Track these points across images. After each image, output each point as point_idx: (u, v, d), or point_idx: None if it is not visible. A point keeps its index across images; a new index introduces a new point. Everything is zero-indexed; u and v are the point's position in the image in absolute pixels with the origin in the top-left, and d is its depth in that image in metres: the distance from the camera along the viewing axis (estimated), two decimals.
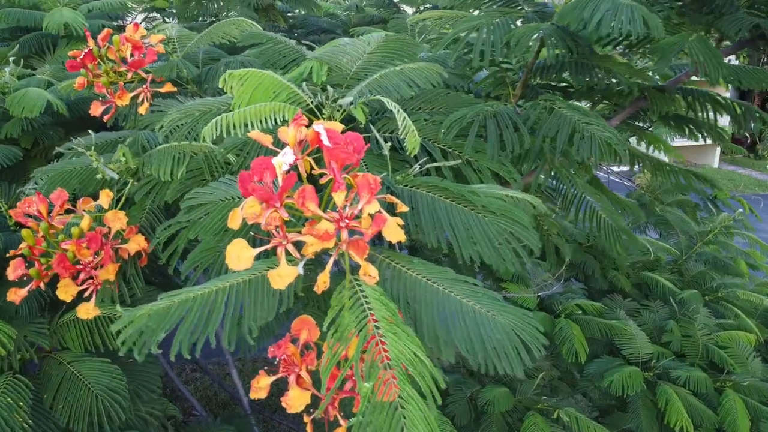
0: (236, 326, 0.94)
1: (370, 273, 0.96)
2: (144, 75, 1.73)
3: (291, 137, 0.97)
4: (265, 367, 1.04)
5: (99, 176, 1.39)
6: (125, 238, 1.43)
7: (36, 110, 1.91)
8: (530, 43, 1.34)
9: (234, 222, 1.01)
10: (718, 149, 13.31)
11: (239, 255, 0.94)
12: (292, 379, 1.03)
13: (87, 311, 1.39)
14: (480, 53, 1.29)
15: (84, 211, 1.39)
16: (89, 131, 1.55)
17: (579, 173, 1.68)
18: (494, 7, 1.49)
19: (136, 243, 1.40)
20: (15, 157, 2.11)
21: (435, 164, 1.22)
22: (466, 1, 1.51)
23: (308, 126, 1.08)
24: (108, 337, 1.59)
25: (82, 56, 1.72)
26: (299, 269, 0.91)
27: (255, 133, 1.01)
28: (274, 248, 0.96)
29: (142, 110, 1.70)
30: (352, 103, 1.18)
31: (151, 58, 1.71)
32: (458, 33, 1.35)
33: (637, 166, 1.88)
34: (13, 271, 1.39)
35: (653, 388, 3.16)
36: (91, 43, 1.74)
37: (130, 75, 1.72)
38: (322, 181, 0.96)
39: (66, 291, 1.38)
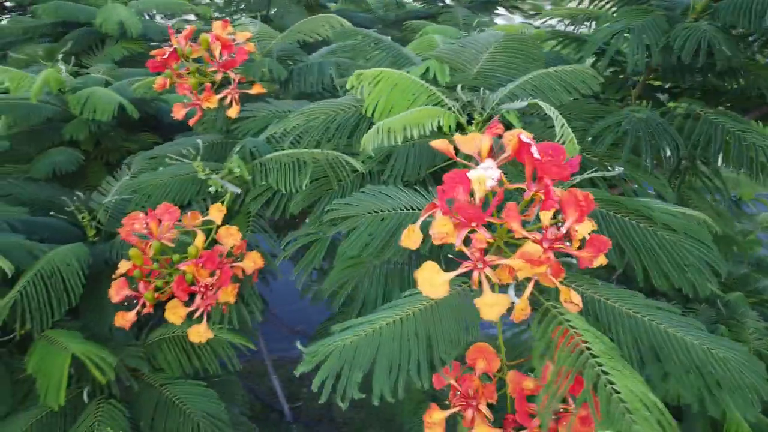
0: (428, 361, 0.84)
1: (573, 300, 0.87)
2: (233, 76, 1.62)
3: (485, 148, 0.87)
4: (439, 401, 0.94)
5: (212, 189, 1.28)
6: (235, 254, 1.33)
7: (108, 113, 1.80)
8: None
9: (411, 240, 0.91)
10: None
11: (432, 280, 0.84)
12: (470, 414, 0.93)
13: (199, 334, 1.28)
14: (634, 57, 1.19)
15: (195, 227, 1.29)
16: (194, 137, 1.44)
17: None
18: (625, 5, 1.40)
19: (252, 260, 1.29)
20: (78, 162, 2.00)
21: (592, 174, 1.12)
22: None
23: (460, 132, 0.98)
24: (204, 357, 1.49)
25: (166, 56, 1.61)
26: (511, 296, 0.82)
27: (440, 143, 0.91)
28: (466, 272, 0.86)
29: (232, 113, 1.59)
30: (508, 109, 1.08)
31: (242, 58, 1.61)
32: (607, 36, 1.25)
33: None
34: (116, 293, 1.28)
35: None
36: (175, 41, 1.63)
37: (219, 76, 1.61)
38: (526, 197, 0.86)
39: (175, 313, 1.28)
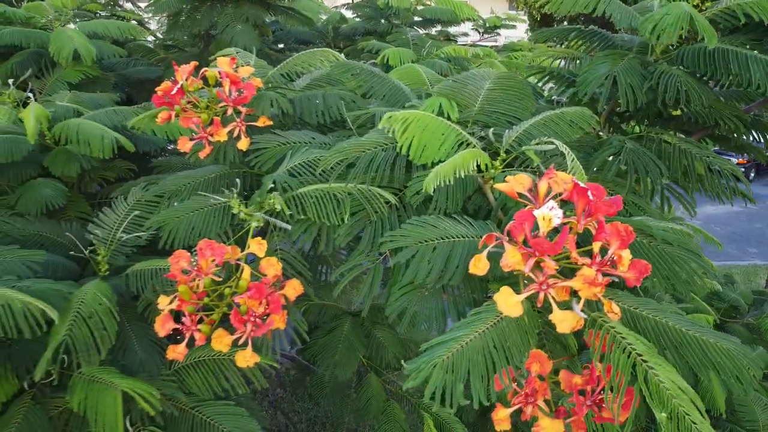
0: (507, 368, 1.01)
1: (614, 310, 1.07)
2: (242, 109, 1.70)
3: (543, 190, 1.05)
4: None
5: (255, 224, 1.38)
6: (273, 283, 1.43)
7: (107, 150, 1.81)
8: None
9: (478, 268, 1.08)
10: None
11: (508, 301, 1.01)
12: (530, 410, 1.11)
13: (245, 359, 1.37)
14: (626, 98, 1.42)
15: (238, 260, 1.38)
16: (198, 169, 1.51)
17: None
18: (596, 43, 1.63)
19: (293, 288, 1.40)
20: (65, 196, 1.98)
21: None
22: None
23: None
24: (233, 378, 1.57)
25: (174, 92, 1.67)
26: (578, 312, 1.00)
27: (506, 186, 1.07)
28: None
29: (242, 146, 1.68)
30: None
31: (251, 93, 1.69)
32: (599, 79, 1.47)
33: None
34: (162, 328, 1.35)
35: None
36: (180, 77, 1.69)
37: (230, 110, 1.69)
38: (578, 230, 1.04)
39: (221, 341, 1.37)
